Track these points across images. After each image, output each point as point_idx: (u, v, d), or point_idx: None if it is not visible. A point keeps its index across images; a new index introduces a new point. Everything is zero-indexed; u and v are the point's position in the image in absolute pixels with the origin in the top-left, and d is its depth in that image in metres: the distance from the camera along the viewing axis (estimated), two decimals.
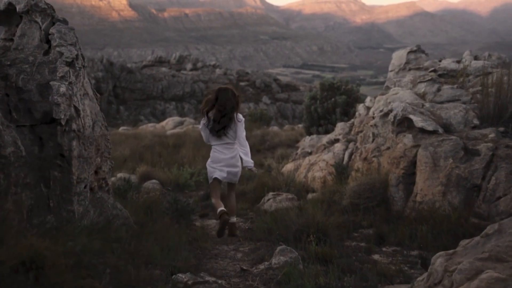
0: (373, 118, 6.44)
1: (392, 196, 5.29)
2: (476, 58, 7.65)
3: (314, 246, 3.81)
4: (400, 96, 5.97)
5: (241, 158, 4.36)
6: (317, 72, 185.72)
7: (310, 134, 12.57)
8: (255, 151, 13.36)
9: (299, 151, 10.33)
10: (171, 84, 50.91)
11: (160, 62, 57.54)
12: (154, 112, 49.30)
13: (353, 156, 6.86)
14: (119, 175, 8.20)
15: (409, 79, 6.80)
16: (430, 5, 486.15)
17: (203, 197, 7.30)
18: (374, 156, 5.75)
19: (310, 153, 9.71)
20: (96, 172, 4.18)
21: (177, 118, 23.80)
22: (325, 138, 8.92)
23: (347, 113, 12.38)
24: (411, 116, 5.32)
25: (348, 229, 4.64)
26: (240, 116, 4.40)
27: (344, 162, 6.97)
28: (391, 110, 5.54)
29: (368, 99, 8.69)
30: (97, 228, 3.55)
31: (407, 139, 5.22)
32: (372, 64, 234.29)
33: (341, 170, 6.54)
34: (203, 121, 4.39)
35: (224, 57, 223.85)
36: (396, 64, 8.68)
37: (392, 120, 5.41)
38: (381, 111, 5.82)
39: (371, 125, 5.88)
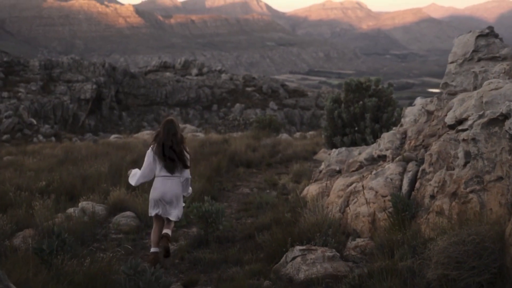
0: (455, 127, 4.15)
1: None
2: None
3: None
4: (505, 92, 3.71)
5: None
6: (323, 79, 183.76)
7: (332, 144, 10.30)
8: (265, 165, 11.07)
9: (323, 168, 8.04)
10: (175, 90, 49.02)
11: (165, 67, 55.79)
12: (157, 118, 47.24)
13: (417, 184, 4.56)
14: (82, 204, 5.96)
15: (502, 69, 4.53)
16: (437, 12, 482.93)
17: (195, 241, 5.03)
18: (471, 192, 3.46)
19: (339, 172, 7.42)
20: None
21: None
22: (363, 154, 6.63)
23: (378, 119, 10.11)
24: None
25: None
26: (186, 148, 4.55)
27: (403, 191, 4.68)
28: (506, 115, 3.26)
29: (422, 100, 6.42)
30: None
31: None
32: (378, 70, 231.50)
33: (402, 207, 4.27)
34: (150, 153, 4.43)
35: (230, 63, 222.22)
36: (460, 53, 6.39)
37: (511, 131, 3.13)
38: (480, 116, 3.55)
39: (463, 139, 3.62)
